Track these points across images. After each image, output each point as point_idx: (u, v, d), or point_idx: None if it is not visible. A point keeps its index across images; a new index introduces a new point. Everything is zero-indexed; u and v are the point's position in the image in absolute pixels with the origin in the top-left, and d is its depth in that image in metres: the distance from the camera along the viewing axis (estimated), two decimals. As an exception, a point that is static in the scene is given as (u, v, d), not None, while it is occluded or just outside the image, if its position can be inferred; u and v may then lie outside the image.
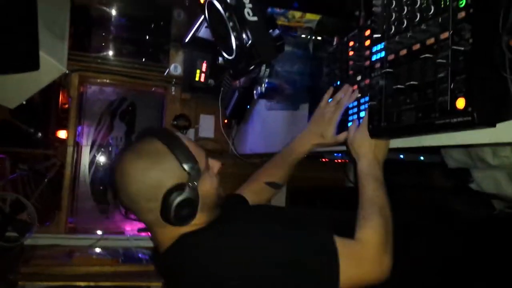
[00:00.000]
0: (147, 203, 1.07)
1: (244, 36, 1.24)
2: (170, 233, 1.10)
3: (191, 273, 1.04)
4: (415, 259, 1.26)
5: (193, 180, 1.06)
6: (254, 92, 1.87)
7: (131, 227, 3.18)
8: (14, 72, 1.80)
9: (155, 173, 1.06)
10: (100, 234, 3.03)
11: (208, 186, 1.12)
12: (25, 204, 2.62)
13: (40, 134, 2.91)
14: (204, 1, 1.37)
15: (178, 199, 1.04)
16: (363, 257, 1.00)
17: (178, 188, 1.05)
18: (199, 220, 1.11)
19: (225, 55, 1.41)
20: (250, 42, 1.23)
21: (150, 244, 2.90)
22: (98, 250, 2.87)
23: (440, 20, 0.94)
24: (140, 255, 2.79)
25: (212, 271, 1.01)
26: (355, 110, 1.31)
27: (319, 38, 1.66)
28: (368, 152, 1.20)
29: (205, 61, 2.87)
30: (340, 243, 1.00)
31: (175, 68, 3.03)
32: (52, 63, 2.02)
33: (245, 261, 1.00)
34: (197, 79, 2.90)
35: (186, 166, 1.06)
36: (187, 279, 1.06)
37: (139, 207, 1.10)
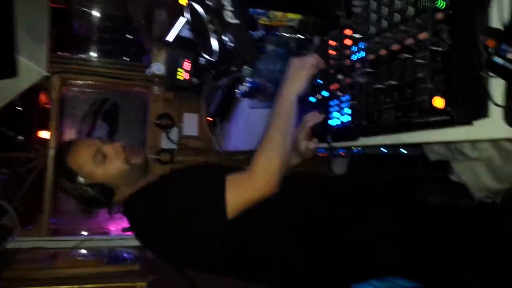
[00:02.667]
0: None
1: (225, 38, 1.25)
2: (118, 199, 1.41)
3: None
4: (399, 248, 1.32)
5: (82, 187, 1.35)
6: (237, 91, 1.88)
7: (115, 227, 3.16)
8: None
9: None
10: (84, 235, 3.01)
11: (108, 174, 1.36)
12: (6, 209, 2.58)
13: (20, 137, 2.87)
14: (184, 4, 1.37)
15: (84, 196, 1.36)
16: (246, 183, 1.21)
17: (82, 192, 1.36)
18: (126, 190, 1.38)
19: (206, 56, 1.42)
20: (231, 44, 1.24)
21: (135, 243, 2.89)
22: (82, 251, 2.85)
23: (418, 21, 0.96)
24: (125, 255, 2.78)
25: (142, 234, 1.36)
26: (336, 108, 1.33)
27: (301, 37, 1.68)
28: (280, 91, 1.36)
29: (187, 60, 2.86)
30: (230, 177, 1.22)
31: (158, 67, 3.02)
32: (32, 67, 2.00)
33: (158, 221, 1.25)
34: (180, 78, 2.89)
35: (74, 182, 1.35)
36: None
37: None
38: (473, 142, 1.39)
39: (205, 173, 1.40)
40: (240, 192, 1.19)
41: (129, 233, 2.92)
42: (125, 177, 1.38)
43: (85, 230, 3.11)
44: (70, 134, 3.19)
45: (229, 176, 1.22)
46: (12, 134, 2.88)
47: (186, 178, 1.36)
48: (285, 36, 1.68)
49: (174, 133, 3.18)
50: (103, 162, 1.36)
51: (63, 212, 3.25)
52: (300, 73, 1.34)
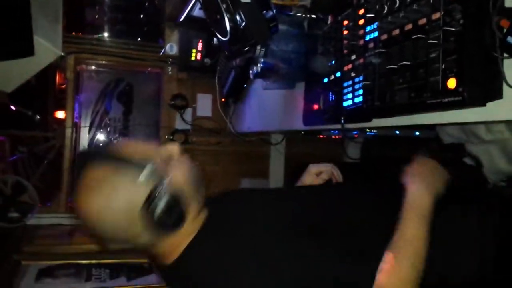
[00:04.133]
0: (130, 230, 0.93)
1: (237, 18, 1.24)
2: (170, 245, 0.98)
3: None
4: None
5: (160, 181, 0.92)
6: (250, 72, 1.87)
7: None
8: (9, 59, 1.80)
9: (118, 200, 0.91)
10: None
11: (180, 175, 0.97)
12: (26, 186, 2.65)
13: (38, 116, 2.92)
14: (197, -18, 1.36)
15: (160, 207, 0.91)
16: None
17: (150, 198, 0.91)
18: (194, 211, 1.00)
19: (219, 36, 1.41)
20: (243, 24, 1.23)
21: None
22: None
23: (431, 0, 0.94)
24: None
25: None
26: (350, 89, 1.32)
27: (313, 16, 1.66)
28: (419, 179, 1.07)
29: (200, 40, 2.85)
30: None
31: (171, 47, 3.02)
32: (47, 47, 2.01)
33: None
34: (193, 58, 2.89)
35: (143, 173, 0.92)
36: None
37: (125, 238, 0.96)
38: (488, 125, 1.38)
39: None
40: None
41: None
42: (197, 185, 1.01)
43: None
44: (86, 113, 3.22)
45: None
46: (29, 113, 2.93)
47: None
48: (297, 15, 1.66)
49: (188, 114, 3.19)
50: (171, 162, 0.99)
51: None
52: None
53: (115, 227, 0.92)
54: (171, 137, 3.12)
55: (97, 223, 0.92)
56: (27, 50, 1.74)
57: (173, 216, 0.93)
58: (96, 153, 1.05)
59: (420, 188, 1.03)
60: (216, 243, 0.96)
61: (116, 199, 0.91)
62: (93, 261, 2.25)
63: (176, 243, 0.97)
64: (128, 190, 0.91)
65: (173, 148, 1.00)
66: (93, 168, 0.93)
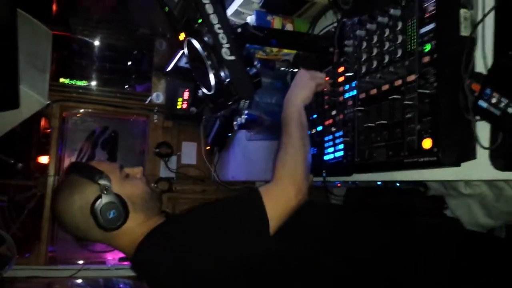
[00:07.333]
0: (86, 224, 1.21)
1: (222, 74, 1.28)
2: (124, 241, 1.24)
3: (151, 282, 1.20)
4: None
5: (105, 188, 1.20)
6: (234, 123, 1.90)
7: (112, 256, 3.14)
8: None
9: (76, 197, 1.21)
10: (81, 264, 2.99)
11: (130, 189, 1.26)
12: (4, 238, 2.57)
13: (20, 165, 2.88)
14: (183, 39, 1.40)
15: (100, 205, 1.18)
16: (279, 193, 1.17)
17: (97, 199, 1.19)
18: (140, 219, 1.25)
19: (204, 90, 1.44)
20: (228, 80, 1.26)
21: (131, 273, 2.87)
22: (78, 281, 2.82)
23: (407, 63, 0.99)
24: (121, 285, 2.75)
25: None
26: (331, 143, 1.34)
27: (296, 70, 1.70)
28: (287, 97, 1.36)
29: (186, 90, 2.90)
30: (262, 190, 1.17)
31: (157, 96, 3.06)
32: (33, 97, 2.01)
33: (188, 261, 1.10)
34: (179, 107, 2.93)
35: (96, 180, 1.21)
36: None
37: (84, 232, 1.24)
38: (465, 179, 1.41)
39: (231, 198, 1.33)
40: (277, 204, 1.14)
41: (126, 263, 2.93)
42: (145, 199, 1.28)
43: (82, 259, 3.09)
44: (69, 161, 3.19)
45: (261, 189, 1.17)
46: (11, 161, 2.89)
47: (211, 208, 1.24)
48: (281, 69, 1.71)
49: (172, 162, 3.19)
50: (127, 178, 1.29)
51: (61, 240, 3.23)
52: (307, 82, 1.36)
53: (73, 220, 1.22)
54: (155, 185, 3.10)
55: (62, 217, 1.23)
56: (12, 103, 1.74)
57: (110, 217, 1.18)
58: (72, 165, 1.37)
59: (295, 103, 1.32)
60: (161, 241, 1.16)
61: (74, 198, 1.21)
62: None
63: (129, 240, 1.21)
64: (82, 192, 1.21)
65: (136, 169, 1.34)
66: (67, 176, 1.30)
